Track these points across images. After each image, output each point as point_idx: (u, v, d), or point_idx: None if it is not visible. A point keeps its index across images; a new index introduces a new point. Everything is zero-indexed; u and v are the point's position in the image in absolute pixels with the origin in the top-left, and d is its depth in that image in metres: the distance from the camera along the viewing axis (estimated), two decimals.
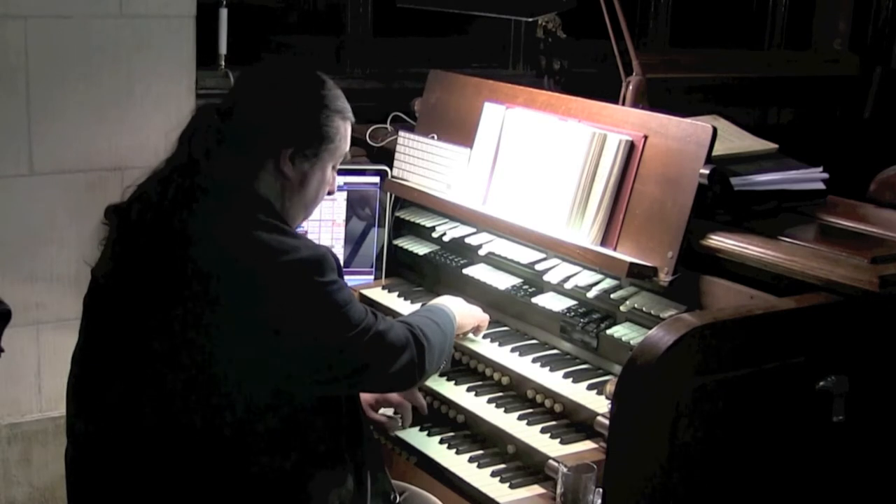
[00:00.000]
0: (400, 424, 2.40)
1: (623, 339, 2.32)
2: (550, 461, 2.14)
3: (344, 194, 2.96)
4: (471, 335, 2.54)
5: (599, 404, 2.22)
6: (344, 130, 2.10)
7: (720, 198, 2.33)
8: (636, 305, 2.32)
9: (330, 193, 2.17)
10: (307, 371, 1.92)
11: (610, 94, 2.81)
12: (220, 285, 1.85)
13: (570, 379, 2.35)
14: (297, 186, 2.04)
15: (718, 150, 2.31)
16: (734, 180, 2.36)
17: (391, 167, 3.01)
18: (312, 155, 2.04)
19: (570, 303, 2.50)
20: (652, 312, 2.28)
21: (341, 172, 2.93)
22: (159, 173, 1.99)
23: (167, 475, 1.91)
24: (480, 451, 2.32)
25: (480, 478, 2.21)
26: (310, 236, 2.94)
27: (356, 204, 2.97)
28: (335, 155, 2.09)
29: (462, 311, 2.46)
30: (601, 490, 1.96)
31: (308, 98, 2.04)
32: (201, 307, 1.86)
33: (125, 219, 1.99)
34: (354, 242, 2.98)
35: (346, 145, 2.12)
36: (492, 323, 2.66)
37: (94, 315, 2.03)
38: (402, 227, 3.01)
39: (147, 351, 1.90)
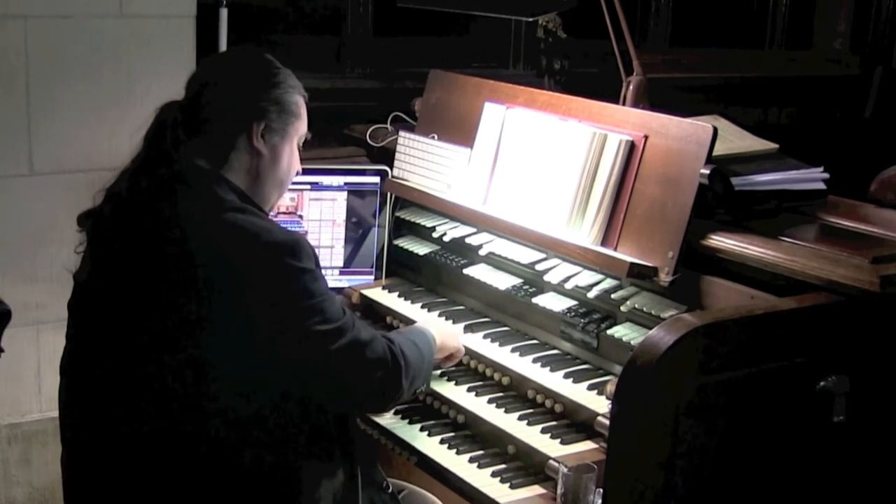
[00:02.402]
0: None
1: (623, 339, 2.32)
2: (551, 461, 2.13)
3: (344, 194, 2.96)
4: (435, 374, 2.46)
5: (600, 404, 2.22)
6: (303, 106, 2.13)
7: (721, 198, 2.32)
8: (637, 305, 2.32)
9: (297, 174, 2.18)
10: (279, 363, 1.89)
11: (610, 94, 2.81)
12: (194, 270, 1.86)
13: (571, 379, 2.35)
14: (269, 163, 2.06)
15: (719, 149, 2.31)
16: (735, 180, 2.36)
17: (391, 167, 3.01)
18: (281, 129, 2.07)
19: (571, 303, 2.49)
20: (652, 312, 2.27)
21: (341, 172, 2.96)
22: (127, 172, 2.01)
23: (158, 472, 1.91)
24: (481, 452, 2.31)
25: (481, 478, 2.21)
26: (310, 236, 2.93)
27: (356, 204, 2.97)
28: (299, 130, 2.13)
29: (443, 332, 2.41)
30: (601, 490, 1.96)
31: (267, 76, 2.08)
32: (178, 295, 1.86)
33: (98, 220, 2.01)
34: (354, 242, 2.98)
35: (305, 121, 2.15)
36: (492, 323, 2.66)
37: (79, 319, 2.04)
38: (402, 227, 3.01)
39: (131, 347, 1.91)
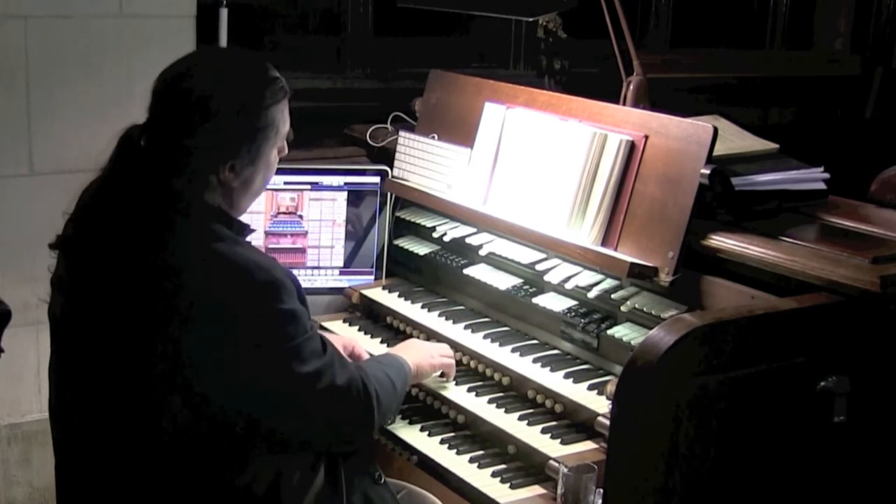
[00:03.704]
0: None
1: (624, 339, 2.31)
2: (551, 461, 2.13)
3: (344, 194, 2.96)
4: (436, 377, 2.46)
5: (600, 405, 2.22)
6: (279, 115, 1.99)
7: (721, 198, 2.32)
8: (637, 306, 2.32)
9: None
10: (253, 399, 1.88)
11: (611, 94, 2.81)
12: (176, 299, 1.84)
13: (571, 379, 2.35)
14: (242, 187, 1.99)
15: (719, 149, 2.30)
16: (735, 180, 2.35)
17: (391, 167, 3.01)
18: (252, 159, 1.97)
19: (571, 303, 2.49)
20: (653, 313, 2.27)
21: (341, 172, 2.96)
22: (101, 194, 1.97)
23: (139, 478, 1.92)
24: (481, 452, 2.31)
25: (481, 478, 2.21)
26: (310, 236, 2.93)
27: (356, 204, 2.97)
28: (276, 142, 2.01)
29: (419, 356, 2.36)
30: (602, 490, 1.96)
31: (236, 105, 1.94)
32: (159, 321, 1.85)
33: (76, 243, 1.97)
34: (354, 242, 2.98)
35: (286, 125, 2.02)
36: (492, 323, 2.66)
37: (61, 332, 2.01)
38: (402, 227, 3.01)
39: (115, 367, 1.90)
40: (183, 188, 1.92)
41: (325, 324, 2.82)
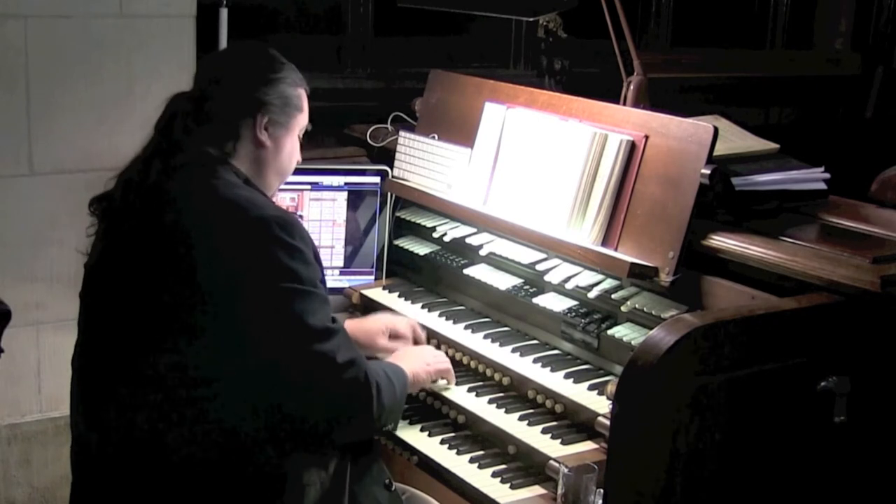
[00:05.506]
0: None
1: (624, 339, 2.31)
2: (551, 462, 2.13)
3: (344, 194, 2.96)
4: (441, 382, 2.44)
5: (600, 405, 2.22)
6: (305, 99, 2.20)
7: (721, 198, 2.32)
8: (637, 306, 2.32)
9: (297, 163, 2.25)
10: (257, 352, 1.87)
11: (611, 93, 2.81)
12: (188, 244, 1.89)
13: (571, 379, 2.35)
14: (272, 153, 2.12)
15: (720, 149, 2.30)
16: (735, 180, 2.36)
17: (392, 167, 3.01)
18: (284, 122, 2.13)
19: (571, 303, 2.49)
20: (653, 313, 2.27)
21: (341, 172, 2.96)
22: (139, 159, 2.06)
23: (156, 457, 1.93)
24: (481, 452, 2.31)
25: (481, 478, 2.21)
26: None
27: (356, 204, 2.97)
28: (301, 123, 2.19)
29: (415, 369, 2.32)
30: (602, 491, 1.95)
31: (270, 70, 2.14)
32: (173, 270, 1.89)
33: (110, 203, 2.05)
34: (354, 242, 2.98)
35: (307, 115, 2.21)
36: (492, 323, 2.66)
37: (88, 304, 2.06)
38: (402, 227, 3.01)
39: (134, 329, 1.93)
40: (216, 142, 2.04)
41: None
